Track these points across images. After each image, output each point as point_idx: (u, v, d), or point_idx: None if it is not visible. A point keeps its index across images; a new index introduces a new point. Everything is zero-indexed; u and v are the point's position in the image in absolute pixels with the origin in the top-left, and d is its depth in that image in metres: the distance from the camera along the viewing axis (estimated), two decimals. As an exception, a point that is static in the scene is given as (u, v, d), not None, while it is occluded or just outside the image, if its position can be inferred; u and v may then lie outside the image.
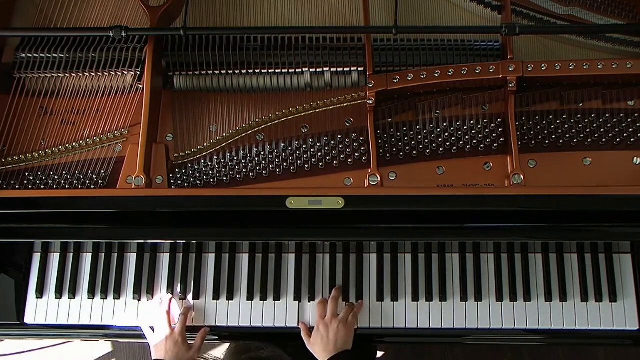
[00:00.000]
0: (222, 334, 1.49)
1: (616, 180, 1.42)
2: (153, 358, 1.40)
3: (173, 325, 1.42)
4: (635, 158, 1.44)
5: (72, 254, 1.51)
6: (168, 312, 1.44)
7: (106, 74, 1.49)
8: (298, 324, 1.45)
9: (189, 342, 1.41)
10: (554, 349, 2.23)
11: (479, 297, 1.45)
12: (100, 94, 1.50)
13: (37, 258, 1.51)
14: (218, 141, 1.47)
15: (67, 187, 1.44)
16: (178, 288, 1.48)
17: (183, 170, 1.45)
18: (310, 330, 1.43)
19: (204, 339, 1.44)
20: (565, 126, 1.45)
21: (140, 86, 1.47)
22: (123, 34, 1.40)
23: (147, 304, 1.48)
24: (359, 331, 1.45)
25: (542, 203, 1.33)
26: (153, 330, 1.43)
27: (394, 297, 1.46)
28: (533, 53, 1.54)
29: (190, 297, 1.48)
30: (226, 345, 2.22)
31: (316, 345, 1.39)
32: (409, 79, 1.43)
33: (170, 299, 1.47)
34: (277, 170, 1.45)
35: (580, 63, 1.42)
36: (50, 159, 1.46)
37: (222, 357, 1.50)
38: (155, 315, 1.44)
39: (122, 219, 1.37)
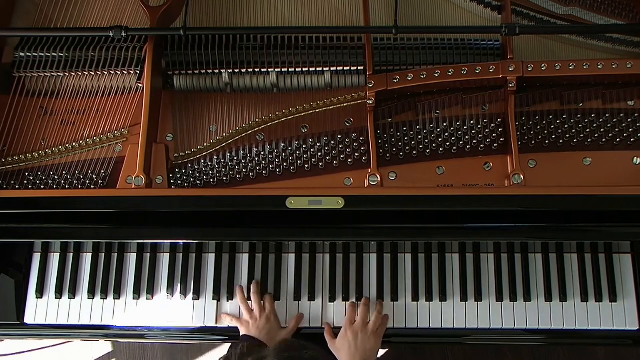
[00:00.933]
0: (222, 334, 1.49)
1: (616, 180, 1.42)
2: (243, 334, 1.40)
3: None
4: (635, 158, 1.44)
5: (72, 254, 1.51)
6: (257, 293, 1.44)
7: (106, 73, 1.49)
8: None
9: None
10: (554, 349, 2.22)
11: (479, 297, 1.45)
12: (100, 94, 1.50)
13: (37, 258, 1.51)
14: (218, 141, 1.47)
15: (67, 187, 1.44)
16: (178, 288, 1.48)
17: (183, 170, 1.45)
18: (335, 332, 1.43)
19: (298, 323, 1.45)
20: (565, 126, 1.45)
21: (140, 85, 1.47)
22: (123, 34, 1.40)
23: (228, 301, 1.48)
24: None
25: (542, 203, 1.33)
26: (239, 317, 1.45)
27: (394, 297, 1.46)
28: (533, 53, 1.54)
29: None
30: (225, 346, 2.23)
31: (342, 350, 1.38)
32: (409, 79, 1.43)
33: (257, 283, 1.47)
34: (277, 170, 1.45)
35: (580, 63, 1.42)
36: (50, 159, 1.46)
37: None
38: (242, 298, 1.45)
39: (122, 219, 1.37)
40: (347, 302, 1.45)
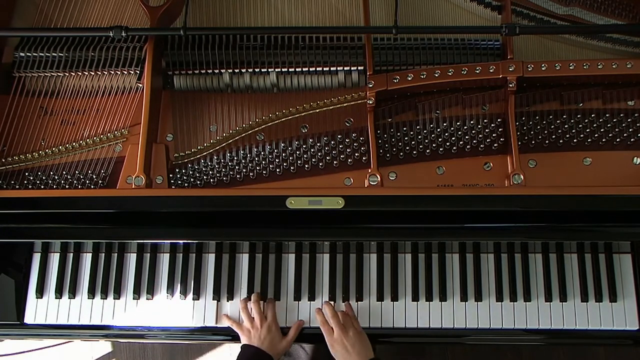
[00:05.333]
0: (222, 334, 1.49)
1: (616, 180, 1.42)
2: (244, 343, 1.40)
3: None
4: (635, 158, 1.44)
5: (72, 254, 1.51)
6: (258, 302, 1.44)
7: (106, 73, 1.49)
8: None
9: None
10: (554, 349, 2.23)
11: (479, 297, 1.45)
12: (100, 94, 1.50)
13: (37, 258, 1.51)
14: (218, 141, 1.47)
15: (67, 187, 1.44)
16: (178, 288, 1.48)
17: (183, 170, 1.45)
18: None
19: (298, 331, 1.44)
20: (565, 126, 1.45)
21: (140, 85, 1.47)
22: (123, 34, 1.40)
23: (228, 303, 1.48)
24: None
25: (542, 203, 1.33)
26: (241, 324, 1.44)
27: (394, 297, 1.46)
28: (533, 53, 1.54)
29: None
30: (225, 346, 2.23)
31: (339, 355, 1.38)
32: (409, 79, 1.43)
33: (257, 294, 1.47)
34: (277, 170, 1.45)
35: (580, 63, 1.42)
36: (50, 159, 1.46)
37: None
38: (245, 307, 1.45)
39: (122, 219, 1.37)
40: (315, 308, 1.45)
